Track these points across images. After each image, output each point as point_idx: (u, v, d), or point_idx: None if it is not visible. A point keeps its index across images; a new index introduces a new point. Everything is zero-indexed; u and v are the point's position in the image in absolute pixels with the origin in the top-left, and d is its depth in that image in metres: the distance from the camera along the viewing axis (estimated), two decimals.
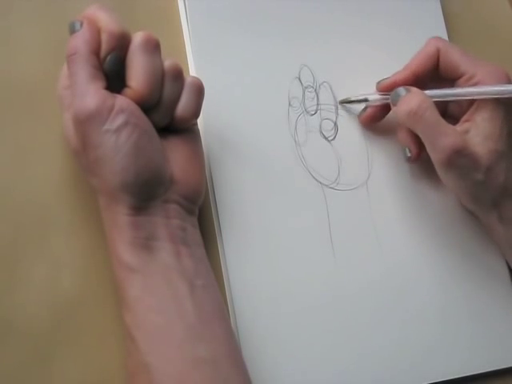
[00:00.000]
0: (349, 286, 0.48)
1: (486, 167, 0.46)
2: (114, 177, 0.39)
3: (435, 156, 0.46)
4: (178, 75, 0.42)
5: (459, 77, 0.48)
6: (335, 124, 0.51)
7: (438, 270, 0.50)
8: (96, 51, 0.39)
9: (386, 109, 0.51)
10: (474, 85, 0.47)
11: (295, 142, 0.49)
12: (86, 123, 0.38)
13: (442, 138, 0.45)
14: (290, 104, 0.50)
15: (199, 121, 0.45)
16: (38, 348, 0.41)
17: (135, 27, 0.41)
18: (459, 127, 0.47)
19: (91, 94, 0.38)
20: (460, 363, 0.48)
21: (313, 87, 0.51)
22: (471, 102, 0.48)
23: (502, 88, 0.46)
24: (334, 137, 0.51)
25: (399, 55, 0.53)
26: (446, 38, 0.55)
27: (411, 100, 0.47)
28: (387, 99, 0.49)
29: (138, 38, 0.40)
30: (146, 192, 0.40)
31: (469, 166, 0.46)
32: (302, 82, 0.51)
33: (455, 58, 0.48)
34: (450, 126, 0.46)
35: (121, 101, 0.39)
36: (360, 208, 0.50)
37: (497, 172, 0.46)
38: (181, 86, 0.42)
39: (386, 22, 0.54)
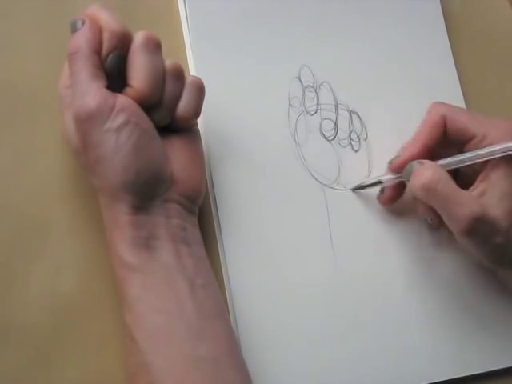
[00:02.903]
0: (349, 285, 0.48)
1: (506, 229, 0.44)
2: (115, 176, 0.39)
3: (454, 227, 0.45)
4: (179, 75, 0.42)
5: (469, 140, 0.47)
6: (335, 124, 0.51)
7: (438, 269, 0.50)
8: (97, 50, 0.39)
9: (403, 186, 0.49)
10: (487, 145, 0.45)
11: (295, 141, 0.49)
12: (86, 122, 0.38)
13: (459, 209, 0.43)
14: (290, 104, 0.50)
15: (199, 121, 0.45)
16: (38, 349, 0.41)
17: (135, 27, 0.41)
18: (475, 190, 0.46)
19: (92, 93, 0.38)
20: (460, 363, 0.48)
21: (313, 87, 0.51)
22: (484, 163, 0.46)
23: (509, 145, 0.44)
24: (334, 137, 0.51)
25: (399, 55, 0.54)
26: (446, 38, 0.55)
27: (422, 174, 0.45)
28: (400, 177, 0.48)
29: (139, 38, 0.40)
30: (147, 191, 0.40)
31: (489, 231, 0.44)
32: (302, 82, 0.51)
33: (463, 122, 0.47)
34: (465, 193, 0.45)
35: (122, 100, 0.39)
36: (360, 208, 0.50)
37: None
38: (182, 86, 0.42)
39: (385, 22, 0.54)
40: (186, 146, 0.43)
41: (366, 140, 0.52)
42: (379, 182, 0.49)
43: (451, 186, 0.44)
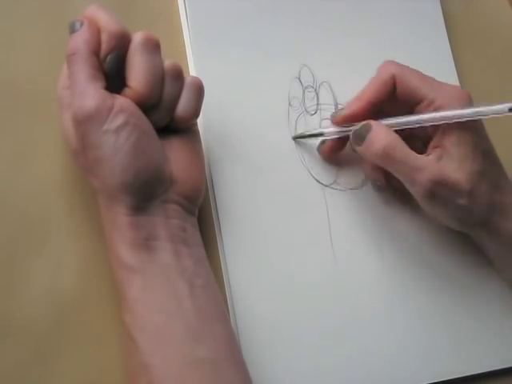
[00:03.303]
0: (349, 285, 0.48)
1: (468, 191, 0.45)
2: (114, 177, 0.39)
3: (415, 191, 0.45)
4: (178, 75, 0.42)
5: (418, 102, 0.46)
6: None
7: (438, 269, 0.50)
8: (96, 51, 0.39)
9: (345, 140, 0.49)
10: (436, 110, 0.45)
11: (295, 141, 0.49)
12: (85, 123, 0.38)
13: (418, 173, 0.44)
14: (290, 104, 0.50)
15: (199, 121, 0.45)
16: (38, 348, 0.41)
17: (135, 27, 0.41)
18: (431, 155, 0.45)
19: (91, 94, 0.38)
20: (460, 363, 0.48)
21: (313, 87, 0.51)
22: (436, 127, 0.46)
23: (463, 111, 0.44)
24: None
25: (399, 55, 0.53)
26: (446, 38, 0.55)
27: (377, 140, 0.45)
28: (345, 132, 0.48)
29: (138, 38, 0.40)
30: (146, 192, 0.40)
31: (450, 194, 0.45)
32: (302, 82, 0.51)
33: (413, 83, 0.47)
34: (423, 157, 0.45)
35: (120, 101, 0.39)
36: (360, 208, 0.50)
37: (480, 193, 0.45)
38: (181, 86, 0.42)
39: (385, 22, 0.54)
40: (186, 147, 0.43)
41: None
42: (321, 134, 0.49)
43: (407, 151, 0.45)
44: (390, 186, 0.49)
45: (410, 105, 0.47)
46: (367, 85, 0.48)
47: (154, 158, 0.40)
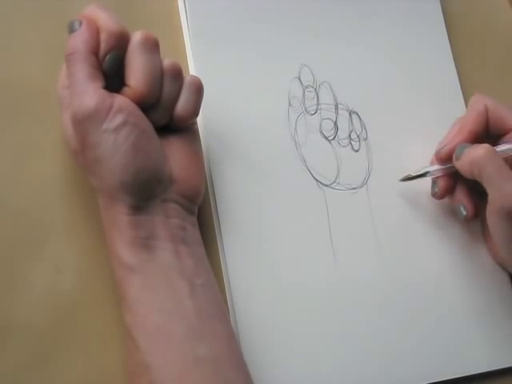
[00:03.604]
0: (349, 285, 0.48)
1: None
2: (113, 176, 0.39)
3: (501, 202, 0.44)
4: (178, 74, 0.42)
5: (508, 131, 0.48)
6: (335, 124, 0.51)
7: (437, 270, 0.50)
8: (95, 51, 0.39)
9: (454, 178, 0.49)
10: None
11: (295, 141, 0.49)
12: (84, 123, 0.38)
13: (509, 185, 0.44)
14: (289, 104, 0.50)
15: (199, 120, 0.45)
16: (38, 348, 0.41)
17: (135, 27, 0.41)
18: None
19: (90, 94, 0.38)
20: (460, 363, 0.48)
21: (313, 87, 0.51)
22: None
23: None
24: (334, 137, 0.51)
25: (399, 55, 0.54)
26: (446, 38, 0.55)
27: (476, 150, 0.46)
28: (450, 168, 0.49)
29: (137, 37, 0.40)
30: (145, 191, 0.40)
31: None
32: (302, 82, 0.51)
33: (504, 111, 0.48)
34: None
35: (119, 100, 0.39)
36: (360, 208, 0.50)
37: None
38: (180, 85, 0.42)
39: (385, 22, 0.54)
40: (185, 146, 0.43)
41: (365, 140, 0.52)
42: (426, 173, 0.49)
43: (502, 162, 0.45)
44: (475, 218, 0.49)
45: (499, 133, 0.49)
46: (463, 117, 0.49)
47: (153, 158, 0.40)
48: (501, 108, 0.48)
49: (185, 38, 0.49)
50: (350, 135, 0.51)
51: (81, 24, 0.39)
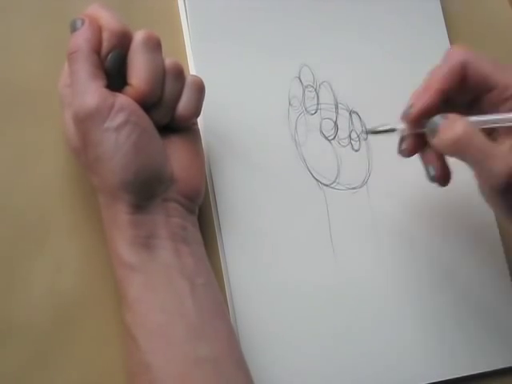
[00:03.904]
0: (349, 285, 0.48)
1: None
2: (114, 175, 0.39)
3: (490, 182, 0.41)
4: (179, 74, 0.42)
5: (490, 90, 0.44)
6: (335, 124, 0.51)
7: (437, 270, 0.50)
8: (97, 49, 0.39)
9: (422, 136, 0.45)
10: (510, 97, 0.43)
11: (295, 141, 0.49)
12: (86, 121, 0.38)
13: (497, 162, 0.40)
14: (290, 103, 0.50)
15: (199, 120, 0.45)
16: (38, 348, 0.41)
17: (135, 27, 0.41)
18: (503, 145, 0.42)
19: (91, 93, 0.38)
20: (460, 363, 0.48)
21: (313, 87, 0.51)
22: None
23: None
24: (334, 136, 0.51)
25: (399, 55, 0.54)
26: (446, 38, 0.56)
27: (453, 127, 0.42)
28: (420, 129, 0.44)
29: (139, 37, 0.40)
30: (146, 190, 0.40)
31: None
32: (302, 82, 0.51)
33: (486, 69, 0.43)
34: (500, 146, 0.41)
35: (121, 99, 0.39)
36: (360, 208, 0.50)
37: None
38: (182, 85, 0.42)
39: (386, 22, 0.54)
40: (186, 146, 0.43)
41: (365, 140, 0.52)
42: (393, 130, 0.45)
43: (484, 139, 0.41)
44: (446, 181, 0.46)
45: (479, 92, 0.44)
46: (433, 73, 0.44)
47: (154, 157, 0.40)
48: (482, 63, 0.44)
49: (185, 38, 0.49)
50: (350, 135, 0.51)
51: (83, 23, 0.39)
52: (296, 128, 0.50)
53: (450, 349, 0.48)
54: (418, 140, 0.45)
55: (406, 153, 0.46)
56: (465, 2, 0.59)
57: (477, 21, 0.59)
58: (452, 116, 0.42)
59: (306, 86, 0.51)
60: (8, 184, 0.43)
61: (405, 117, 0.45)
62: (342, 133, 0.51)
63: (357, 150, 0.51)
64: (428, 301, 0.49)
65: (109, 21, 0.39)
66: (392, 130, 0.45)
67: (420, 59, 0.54)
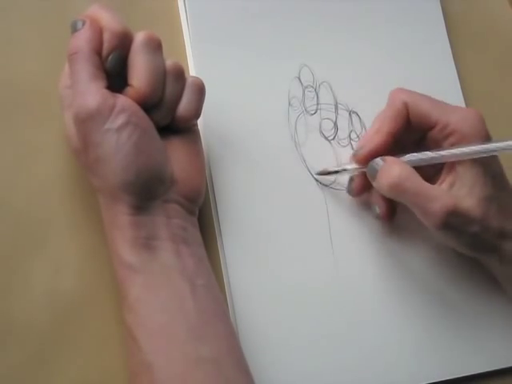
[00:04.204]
0: (348, 285, 0.48)
1: (479, 219, 0.44)
2: (115, 176, 0.39)
3: (428, 222, 0.44)
4: (180, 75, 0.42)
5: (432, 127, 0.46)
6: (335, 124, 0.51)
7: (437, 269, 0.50)
8: (98, 50, 0.39)
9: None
10: (449, 134, 0.45)
11: (295, 141, 0.50)
12: (86, 122, 0.38)
13: (431, 204, 0.43)
14: (289, 104, 0.50)
15: (199, 121, 0.45)
16: (39, 348, 0.41)
17: (135, 27, 0.41)
18: (443, 183, 0.46)
19: (92, 94, 0.38)
20: (460, 363, 0.48)
21: (313, 87, 0.51)
22: None
23: (483, 147, 0.44)
24: (334, 137, 0.51)
25: (399, 55, 0.54)
26: (446, 38, 0.55)
27: (389, 172, 0.45)
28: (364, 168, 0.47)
29: (140, 37, 0.40)
30: (147, 191, 0.40)
31: (463, 222, 0.44)
32: (302, 82, 0.51)
33: (425, 108, 0.46)
34: (435, 187, 0.45)
35: (122, 100, 0.39)
36: (360, 208, 0.50)
37: (490, 218, 0.45)
38: (182, 86, 0.42)
39: (385, 22, 0.54)
40: (186, 147, 0.43)
41: None
42: (343, 170, 0.48)
43: (420, 181, 0.44)
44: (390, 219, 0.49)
45: (423, 130, 0.47)
46: (381, 116, 0.48)
47: (155, 158, 0.40)
48: (422, 103, 0.47)
49: (185, 38, 0.49)
50: (349, 135, 0.51)
51: (84, 23, 0.39)
52: (296, 128, 0.50)
53: (449, 349, 0.48)
54: (365, 181, 0.48)
55: (354, 192, 0.49)
56: (465, 1, 0.59)
57: (477, 21, 0.59)
58: (389, 159, 0.45)
59: (306, 87, 0.51)
60: (8, 184, 0.43)
61: (354, 157, 0.47)
62: (342, 133, 0.51)
63: None
64: (428, 301, 0.49)
65: (110, 22, 0.39)
66: (343, 171, 0.48)
67: (420, 59, 0.55)
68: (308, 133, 0.50)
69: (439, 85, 0.54)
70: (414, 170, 0.45)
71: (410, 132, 0.47)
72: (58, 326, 0.41)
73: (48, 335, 0.41)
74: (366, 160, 0.47)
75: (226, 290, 0.45)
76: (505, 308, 0.51)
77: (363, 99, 0.52)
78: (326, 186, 0.49)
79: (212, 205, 0.46)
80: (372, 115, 0.52)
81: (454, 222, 0.44)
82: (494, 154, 0.45)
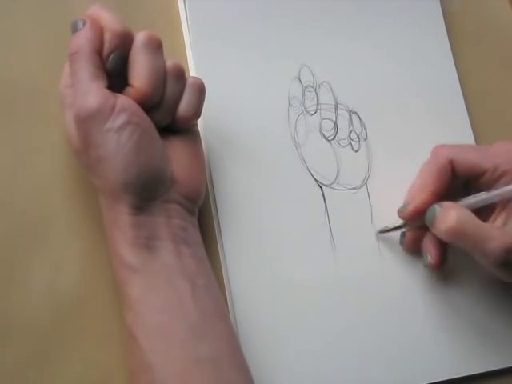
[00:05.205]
0: (348, 285, 0.48)
1: None
2: (116, 176, 0.39)
3: (488, 262, 0.44)
4: (180, 75, 0.42)
5: (481, 175, 0.47)
6: (335, 124, 0.51)
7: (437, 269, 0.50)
8: (98, 50, 0.39)
9: (425, 228, 0.48)
10: (502, 175, 0.46)
11: (295, 141, 0.50)
12: (87, 122, 0.38)
13: (490, 245, 0.43)
14: (289, 104, 0.50)
15: (199, 121, 0.45)
16: (38, 348, 0.41)
17: (135, 27, 0.41)
18: (497, 220, 0.46)
19: (93, 93, 0.38)
20: (460, 363, 0.48)
21: (313, 87, 0.51)
22: None
23: None
24: (334, 137, 0.51)
25: (399, 55, 0.54)
26: (446, 38, 0.55)
27: (447, 217, 0.45)
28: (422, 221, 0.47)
29: (140, 38, 0.40)
30: (147, 191, 0.40)
31: None
32: (302, 82, 0.51)
33: (471, 160, 0.47)
34: (492, 226, 0.45)
35: (122, 100, 0.39)
36: (360, 208, 0.50)
37: None
38: (182, 86, 0.42)
39: (385, 22, 0.54)
40: (187, 147, 0.43)
41: (365, 140, 0.52)
42: (405, 225, 0.48)
43: (477, 223, 0.44)
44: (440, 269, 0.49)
45: (471, 179, 0.48)
46: (424, 172, 0.48)
47: (155, 158, 0.40)
48: (466, 155, 0.47)
49: (185, 38, 0.49)
50: (349, 135, 0.51)
51: (84, 23, 0.39)
52: (296, 128, 0.50)
53: (449, 349, 0.48)
54: (416, 234, 0.49)
55: (406, 246, 0.49)
56: (465, 2, 0.59)
57: (477, 21, 0.59)
58: (446, 205, 0.46)
59: (306, 87, 0.51)
60: (8, 183, 0.43)
61: (400, 214, 0.48)
62: (342, 133, 0.51)
63: (356, 151, 0.51)
64: (428, 300, 0.49)
65: (110, 22, 0.39)
66: (404, 226, 0.48)
67: (420, 59, 0.55)
68: (308, 133, 0.50)
69: (439, 85, 0.54)
70: (470, 213, 0.45)
71: (457, 181, 0.48)
72: (58, 325, 0.41)
73: (48, 334, 0.41)
74: (414, 216, 0.47)
75: (226, 290, 0.45)
76: (504, 308, 0.51)
77: (363, 99, 0.52)
78: (326, 185, 0.49)
79: (212, 205, 0.46)
80: (372, 115, 0.52)
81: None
82: None
